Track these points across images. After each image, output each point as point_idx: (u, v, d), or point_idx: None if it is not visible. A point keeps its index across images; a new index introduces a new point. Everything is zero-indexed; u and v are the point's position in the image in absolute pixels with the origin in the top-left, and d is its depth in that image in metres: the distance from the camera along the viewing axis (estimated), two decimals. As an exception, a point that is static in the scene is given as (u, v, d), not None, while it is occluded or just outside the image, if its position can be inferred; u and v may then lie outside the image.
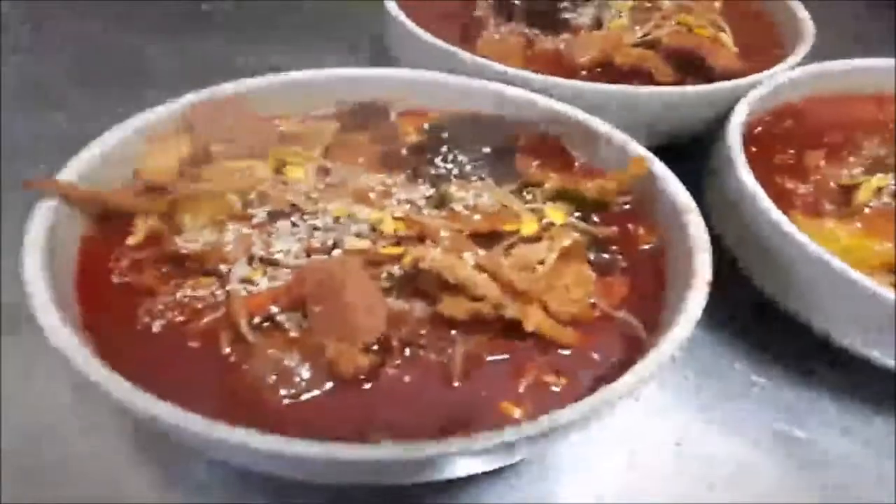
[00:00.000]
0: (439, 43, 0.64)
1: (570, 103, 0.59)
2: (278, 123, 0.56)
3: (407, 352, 0.42)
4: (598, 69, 0.68)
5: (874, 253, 0.49)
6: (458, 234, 0.46)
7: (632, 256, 0.50)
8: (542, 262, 0.45)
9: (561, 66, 0.68)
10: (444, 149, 0.53)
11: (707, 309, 0.42)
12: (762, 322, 0.55)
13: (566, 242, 0.45)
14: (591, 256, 0.49)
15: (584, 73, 0.68)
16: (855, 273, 0.46)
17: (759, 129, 0.64)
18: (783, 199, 0.56)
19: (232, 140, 0.53)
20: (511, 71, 0.61)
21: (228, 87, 0.56)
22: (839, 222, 0.52)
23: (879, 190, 0.54)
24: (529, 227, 0.46)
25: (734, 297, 0.53)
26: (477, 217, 0.47)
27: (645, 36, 0.68)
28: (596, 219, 0.52)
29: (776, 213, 0.50)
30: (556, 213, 0.48)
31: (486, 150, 0.54)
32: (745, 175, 0.53)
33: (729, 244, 0.54)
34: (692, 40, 0.67)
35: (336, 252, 0.45)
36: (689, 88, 0.61)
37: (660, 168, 0.52)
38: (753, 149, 0.61)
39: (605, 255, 0.49)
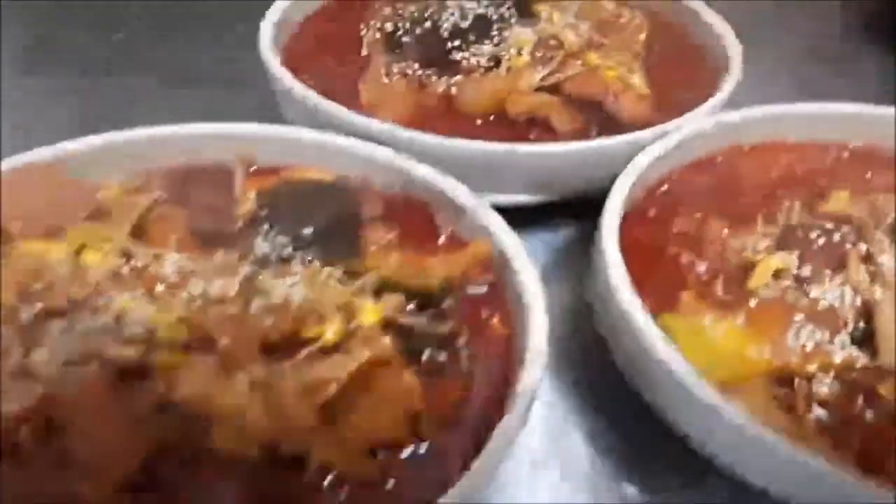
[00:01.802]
0: (295, 87, 0.57)
1: (442, 161, 0.52)
2: (99, 193, 0.50)
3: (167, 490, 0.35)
4: (493, 117, 0.60)
5: (753, 359, 0.41)
6: (248, 341, 0.39)
7: (480, 352, 0.43)
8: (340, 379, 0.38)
9: (455, 113, 0.61)
10: (267, 225, 0.46)
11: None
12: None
13: (368, 353, 0.38)
14: (425, 355, 0.42)
15: (479, 121, 0.60)
16: (704, 389, 0.38)
17: (665, 187, 0.56)
18: (674, 280, 0.49)
19: (36, 216, 0.47)
20: (375, 125, 0.54)
21: (45, 153, 0.50)
22: (721, 315, 0.44)
23: (778, 274, 0.46)
24: (333, 330, 0.39)
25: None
26: (272, 320, 0.40)
27: (547, 78, 0.60)
28: (449, 301, 0.45)
29: (631, 305, 0.42)
30: (369, 311, 0.40)
31: (323, 223, 0.47)
32: (611, 254, 0.45)
33: (607, 342, 0.47)
34: (596, 84, 0.59)
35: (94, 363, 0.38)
36: (572, 146, 0.54)
37: (513, 249, 0.45)
38: (652, 212, 0.54)
39: (440, 355, 0.42)
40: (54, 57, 0.80)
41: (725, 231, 0.51)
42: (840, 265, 0.45)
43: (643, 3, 0.72)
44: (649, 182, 0.55)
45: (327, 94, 0.59)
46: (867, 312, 0.42)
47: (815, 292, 0.43)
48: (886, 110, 0.59)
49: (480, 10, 0.61)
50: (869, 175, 0.58)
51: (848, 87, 0.82)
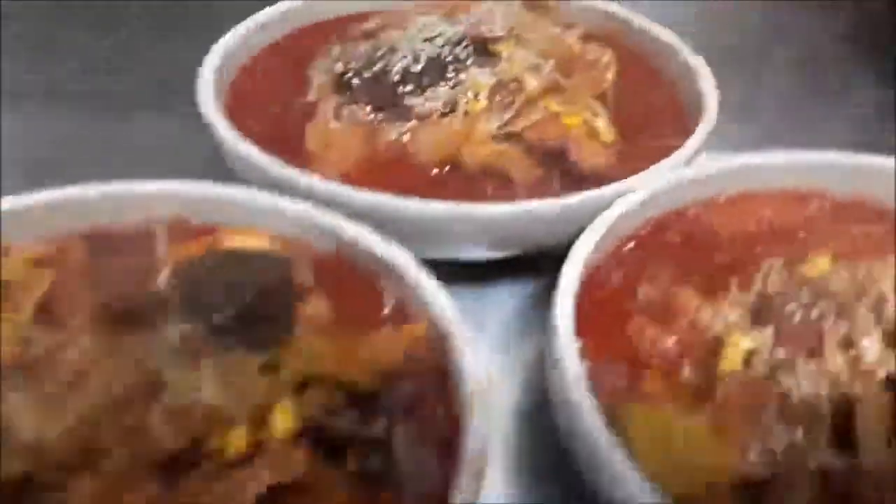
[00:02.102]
0: (229, 140, 0.52)
1: (389, 221, 0.48)
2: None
3: None
4: (449, 166, 0.56)
5: (718, 466, 0.36)
6: (145, 456, 0.34)
7: (419, 455, 0.39)
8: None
9: (408, 161, 0.56)
10: (182, 305, 0.41)
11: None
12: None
13: (277, 473, 0.33)
14: (354, 463, 0.37)
15: (434, 171, 0.56)
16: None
17: (632, 244, 0.52)
18: (638, 359, 0.44)
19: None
20: (316, 183, 0.50)
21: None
22: (687, 407, 0.39)
23: (750, 357, 0.41)
24: (239, 442, 0.35)
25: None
26: (174, 428, 0.35)
27: (505, 125, 0.56)
28: (384, 395, 0.40)
29: (579, 393, 0.38)
30: (285, 416, 0.36)
31: (246, 302, 0.42)
32: (563, 342, 0.40)
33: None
34: (556, 132, 0.54)
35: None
36: (529, 207, 0.49)
37: (457, 332, 0.41)
38: (617, 275, 0.49)
39: (371, 461, 0.38)
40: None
41: (695, 302, 0.46)
42: (818, 348, 0.40)
43: (616, 33, 0.68)
44: (615, 239, 0.50)
45: (273, 139, 0.55)
46: (847, 407, 0.38)
47: (789, 381, 0.39)
48: (873, 159, 0.55)
49: (434, 52, 0.56)
50: (854, 231, 0.53)
51: (835, 113, 0.79)
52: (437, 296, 0.42)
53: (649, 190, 0.51)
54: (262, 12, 0.63)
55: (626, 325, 0.45)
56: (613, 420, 0.37)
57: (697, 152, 0.55)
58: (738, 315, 0.45)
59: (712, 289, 0.48)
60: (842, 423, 0.38)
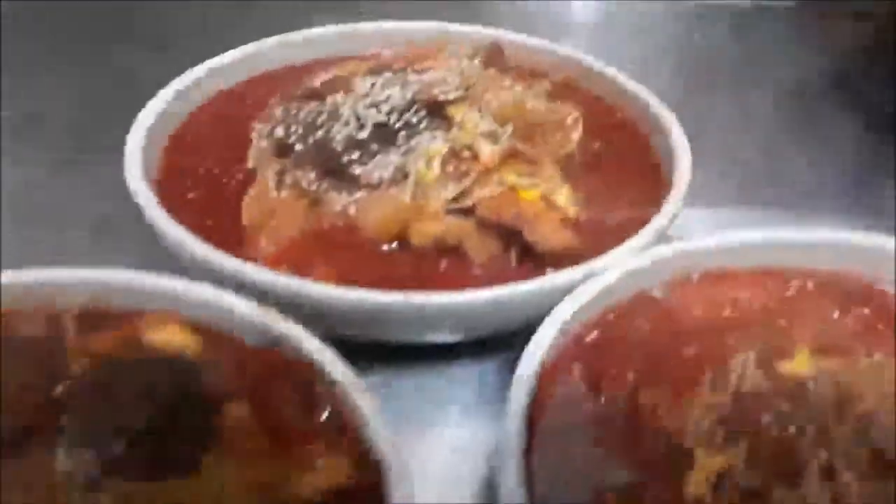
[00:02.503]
0: (156, 218, 0.48)
1: (330, 311, 0.43)
2: None
3: None
4: (398, 243, 0.51)
5: None
6: None
7: None
8: None
9: (355, 235, 0.52)
10: (76, 427, 0.37)
11: None
12: None
13: None
14: None
15: (384, 246, 0.52)
16: None
17: (595, 334, 0.47)
18: (597, 477, 0.40)
19: None
20: (227, 264, 0.45)
21: None
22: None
23: (720, 479, 0.37)
24: None
25: None
26: None
27: (459, 198, 0.51)
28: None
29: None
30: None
31: (153, 418, 0.38)
32: (508, 462, 0.36)
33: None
34: (512, 208, 0.50)
35: None
36: (479, 296, 0.45)
37: (393, 462, 0.36)
38: (577, 371, 0.45)
39: None
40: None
41: (662, 406, 0.42)
42: (795, 475, 0.36)
43: (586, 85, 0.64)
44: (574, 331, 0.46)
45: (210, 211, 0.50)
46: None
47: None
48: (859, 236, 0.51)
49: (381, 119, 0.52)
50: (836, 315, 0.49)
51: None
52: (373, 417, 0.38)
53: (612, 275, 0.46)
54: (198, 67, 0.59)
55: (585, 436, 0.41)
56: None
57: (670, 223, 0.50)
58: (709, 423, 0.40)
59: (680, 389, 0.43)
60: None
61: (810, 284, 0.52)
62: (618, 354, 0.46)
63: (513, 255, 0.51)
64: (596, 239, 0.51)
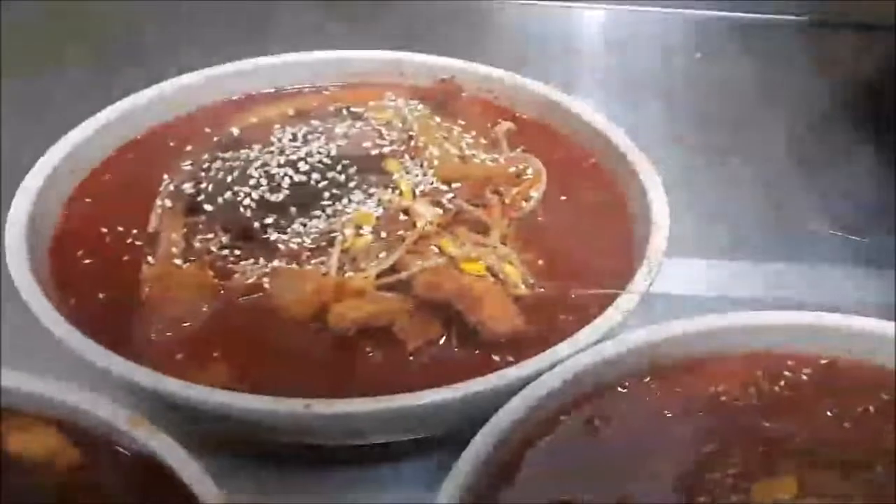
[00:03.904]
0: (40, 309, 0.43)
1: (227, 416, 0.38)
2: None
3: None
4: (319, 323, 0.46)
5: None
6: None
7: None
8: None
9: (269, 314, 0.47)
10: None
11: None
12: None
13: None
14: None
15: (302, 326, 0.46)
16: None
17: (543, 441, 0.42)
18: None
19: None
20: (134, 372, 0.40)
21: None
22: None
23: None
24: None
25: None
26: None
27: (390, 271, 0.46)
28: None
29: None
30: None
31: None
32: None
33: None
34: (452, 283, 0.44)
35: None
36: (400, 403, 0.39)
37: None
38: (519, 476, 0.40)
39: None
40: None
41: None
42: None
43: (557, 119, 0.59)
44: (517, 437, 0.41)
45: (106, 284, 0.45)
46: None
47: None
48: (852, 320, 0.45)
49: (301, 178, 0.46)
50: (834, 415, 0.44)
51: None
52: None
53: (563, 374, 0.41)
54: (95, 117, 0.53)
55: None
56: None
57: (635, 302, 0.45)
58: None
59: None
60: None
61: (803, 376, 0.46)
62: (566, 466, 0.41)
63: (453, 337, 0.45)
64: (551, 320, 0.45)
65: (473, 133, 0.53)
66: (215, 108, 0.57)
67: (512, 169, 0.52)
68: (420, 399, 0.38)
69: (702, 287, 0.59)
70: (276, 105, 0.55)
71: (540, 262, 0.50)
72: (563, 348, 0.41)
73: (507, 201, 0.51)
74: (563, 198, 0.54)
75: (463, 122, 0.55)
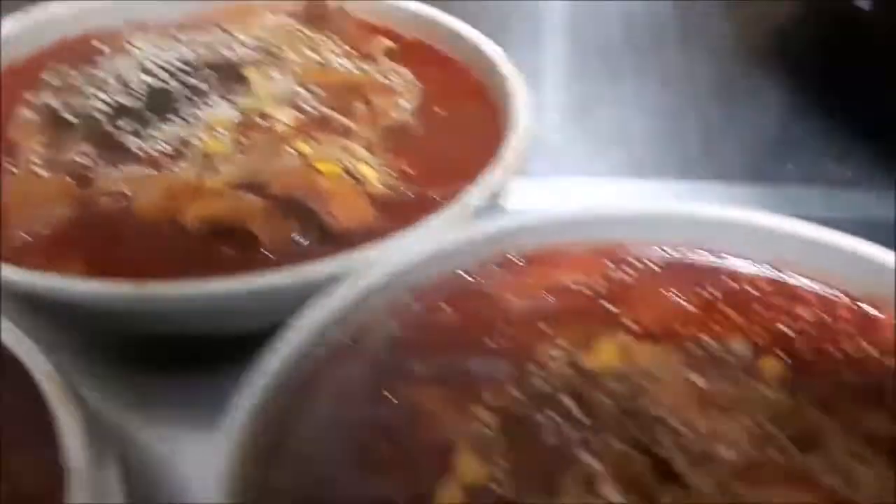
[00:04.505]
0: None
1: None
2: None
3: None
4: (177, 225, 0.48)
5: None
6: None
7: None
8: None
9: (127, 219, 0.48)
10: None
11: None
12: None
13: None
14: None
15: (160, 229, 0.48)
16: None
17: (398, 329, 0.44)
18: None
19: None
20: None
21: None
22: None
23: (475, 493, 0.34)
24: None
25: None
26: None
27: (250, 172, 0.47)
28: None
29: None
30: None
31: None
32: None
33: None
34: (304, 182, 0.46)
35: None
36: (224, 287, 0.41)
37: None
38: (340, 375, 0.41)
39: None
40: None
41: (436, 409, 0.38)
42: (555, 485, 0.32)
43: (439, 40, 0.60)
44: (371, 321, 0.42)
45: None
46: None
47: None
48: (705, 209, 0.48)
49: (158, 84, 0.48)
50: (678, 297, 0.46)
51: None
52: (68, 425, 0.34)
53: (408, 257, 0.43)
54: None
55: (342, 443, 0.37)
56: None
57: (489, 198, 0.47)
58: (491, 428, 0.37)
59: (474, 388, 0.40)
60: None
61: (652, 264, 0.48)
62: (410, 348, 0.43)
63: (312, 237, 0.47)
64: (407, 218, 0.47)
65: (347, 48, 0.55)
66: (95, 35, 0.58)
67: (381, 79, 0.53)
68: (251, 284, 0.40)
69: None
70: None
71: (412, 171, 0.51)
72: (408, 238, 0.43)
73: (376, 111, 0.52)
74: (439, 111, 0.55)
75: (337, 38, 0.56)
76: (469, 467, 0.33)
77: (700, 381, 0.36)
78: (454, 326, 0.44)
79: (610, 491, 0.30)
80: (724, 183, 0.69)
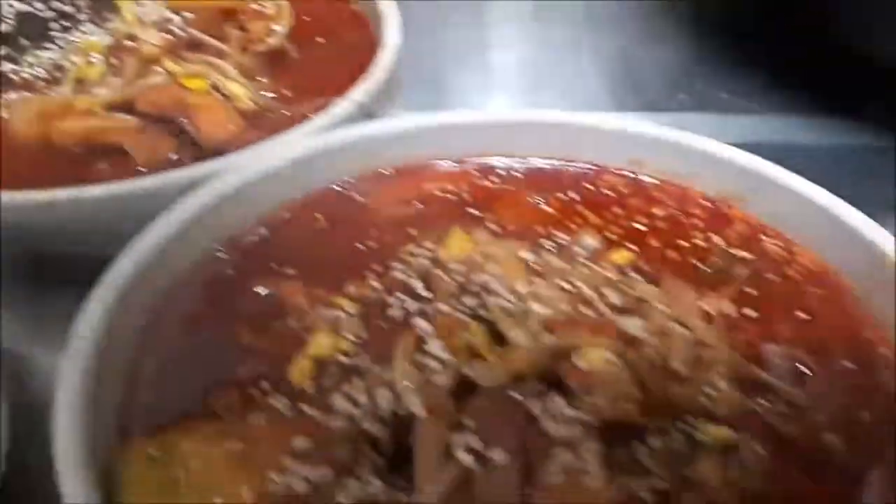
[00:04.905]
0: None
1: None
2: None
3: None
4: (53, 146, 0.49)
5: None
6: None
7: None
8: None
9: (7, 141, 0.50)
10: None
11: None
12: None
13: None
14: None
15: (37, 150, 0.49)
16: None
17: (263, 231, 0.46)
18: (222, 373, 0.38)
19: None
20: None
21: None
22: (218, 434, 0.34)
23: (323, 366, 0.36)
24: None
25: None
26: None
27: (122, 93, 0.49)
28: None
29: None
30: None
31: None
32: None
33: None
34: (172, 99, 0.48)
35: None
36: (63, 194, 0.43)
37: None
38: (229, 270, 0.44)
39: None
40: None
41: (304, 300, 0.41)
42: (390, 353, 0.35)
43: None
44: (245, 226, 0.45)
45: None
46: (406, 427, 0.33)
47: (343, 403, 0.34)
48: (555, 115, 0.51)
49: (25, 9, 0.50)
50: (538, 201, 0.49)
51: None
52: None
53: (270, 162, 0.45)
54: None
55: (222, 334, 0.40)
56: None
57: (355, 112, 0.49)
58: (353, 314, 0.39)
59: (339, 284, 0.42)
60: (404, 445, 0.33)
61: (516, 172, 0.51)
62: (279, 249, 0.45)
63: (185, 153, 0.49)
64: (279, 132, 0.49)
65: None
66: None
67: (254, 5, 0.55)
68: (113, 189, 0.42)
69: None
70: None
71: (288, 92, 0.53)
72: (270, 145, 0.45)
73: (250, 36, 0.54)
74: (312, 35, 0.57)
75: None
76: (321, 343, 0.36)
77: (532, 258, 0.38)
78: (324, 231, 0.46)
79: (437, 349, 0.33)
80: (619, 114, 0.71)
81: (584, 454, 0.30)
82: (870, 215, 0.44)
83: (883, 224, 0.43)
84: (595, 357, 0.32)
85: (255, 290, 0.43)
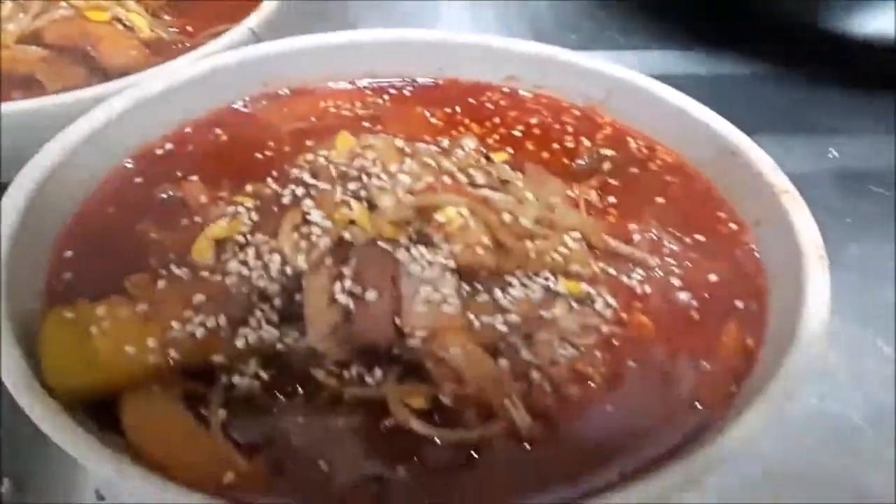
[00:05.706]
0: None
1: None
2: None
3: None
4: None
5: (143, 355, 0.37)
6: None
7: None
8: None
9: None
10: None
11: None
12: None
13: None
14: None
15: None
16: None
17: (169, 146, 0.51)
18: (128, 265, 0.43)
19: None
20: None
21: None
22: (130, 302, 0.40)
23: (221, 244, 0.42)
24: None
25: None
26: None
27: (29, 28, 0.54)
28: None
29: None
30: None
31: None
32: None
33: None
34: (76, 30, 0.53)
35: None
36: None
37: None
38: (139, 179, 0.49)
39: None
40: None
41: (205, 198, 0.46)
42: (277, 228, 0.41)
43: None
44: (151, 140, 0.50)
45: None
46: (295, 285, 0.39)
47: (239, 267, 0.39)
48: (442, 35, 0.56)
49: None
50: (421, 112, 0.55)
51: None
52: None
53: (166, 80, 0.50)
54: None
55: (130, 234, 0.45)
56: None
57: (251, 37, 0.54)
58: (241, 207, 0.45)
59: (236, 184, 0.48)
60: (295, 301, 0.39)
61: (405, 90, 0.57)
62: (181, 159, 0.50)
63: (95, 80, 0.53)
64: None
65: None
66: None
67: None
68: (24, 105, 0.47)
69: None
70: None
71: (192, 28, 0.58)
72: (170, 67, 0.50)
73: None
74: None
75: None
76: (219, 228, 0.41)
77: (406, 147, 0.45)
78: (226, 144, 0.52)
79: (318, 218, 0.39)
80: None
81: (443, 289, 0.37)
82: (753, 139, 0.49)
83: (764, 147, 0.48)
84: (452, 214, 0.38)
85: (161, 193, 0.48)
